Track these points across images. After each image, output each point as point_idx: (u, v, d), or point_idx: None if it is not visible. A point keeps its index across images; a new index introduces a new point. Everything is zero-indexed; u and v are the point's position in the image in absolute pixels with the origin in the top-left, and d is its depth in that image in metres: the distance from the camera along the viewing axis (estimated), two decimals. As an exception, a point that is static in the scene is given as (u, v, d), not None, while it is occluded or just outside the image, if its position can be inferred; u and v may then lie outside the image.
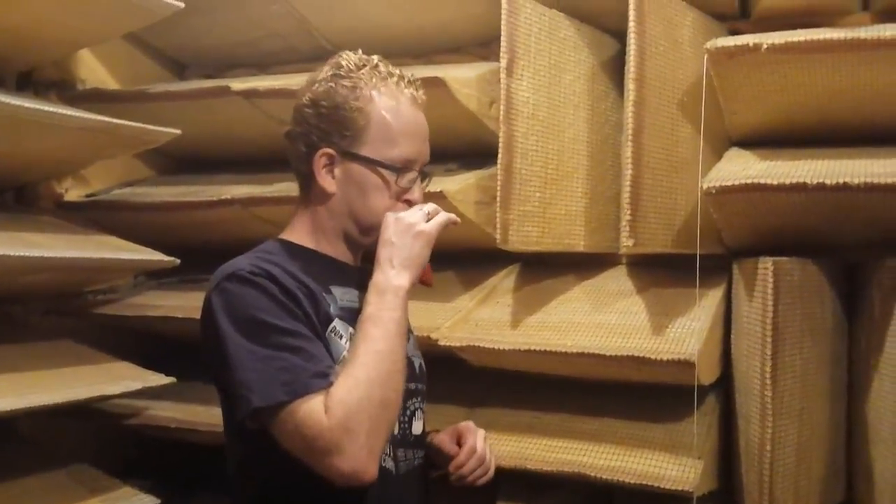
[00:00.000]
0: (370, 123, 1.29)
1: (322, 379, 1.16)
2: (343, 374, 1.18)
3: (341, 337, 1.27)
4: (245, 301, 1.19)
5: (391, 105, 1.30)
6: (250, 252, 1.31)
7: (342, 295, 1.31)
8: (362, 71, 1.31)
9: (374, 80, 1.31)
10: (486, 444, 1.45)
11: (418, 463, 1.40)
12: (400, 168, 1.31)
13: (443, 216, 1.32)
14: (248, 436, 1.23)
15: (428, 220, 1.30)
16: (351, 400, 1.14)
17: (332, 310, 1.28)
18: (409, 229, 1.28)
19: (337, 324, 1.27)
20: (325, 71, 1.32)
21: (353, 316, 1.29)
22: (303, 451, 1.15)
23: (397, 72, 1.35)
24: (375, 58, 1.34)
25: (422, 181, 1.38)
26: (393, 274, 1.26)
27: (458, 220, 1.37)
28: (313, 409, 1.13)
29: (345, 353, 1.25)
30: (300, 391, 1.14)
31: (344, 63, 1.31)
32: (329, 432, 1.12)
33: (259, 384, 1.14)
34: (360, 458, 1.14)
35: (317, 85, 1.31)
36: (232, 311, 1.19)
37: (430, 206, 1.32)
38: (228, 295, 1.21)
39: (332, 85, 1.29)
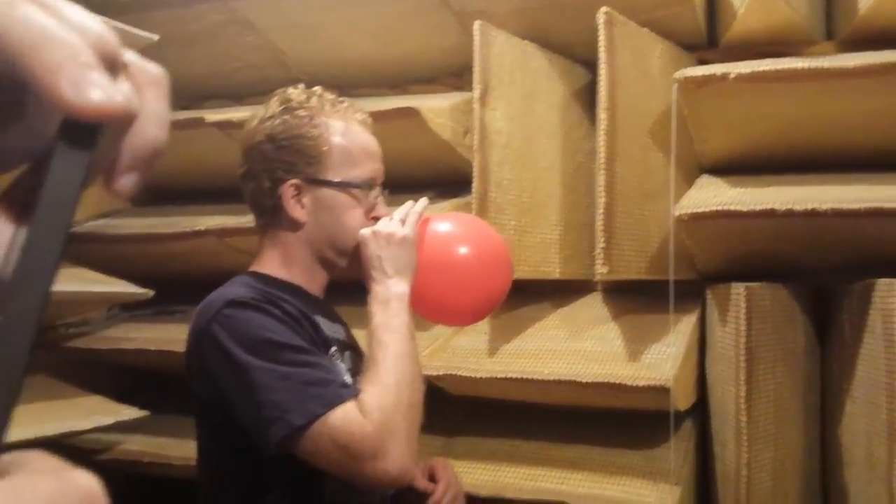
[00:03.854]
0: (331, 149, 1.31)
1: (348, 388, 1.17)
2: (368, 381, 1.20)
3: (341, 361, 1.28)
4: (252, 324, 1.19)
5: (345, 129, 1.34)
6: (228, 286, 1.30)
7: (325, 326, 1.32)
8: (311, 101, 1.33)
9: (325, 107, 1.34)
10: (457, 480, 1.48)
11: (389, 495, 1.41)
12: (367, 185, 1.33)
13: (414, 214, 1.35)
14: (251, 468, 1.22)
15: (403, 225, 1.32)
16: (386, 403, 1.16)
17: (328, 335, 1.29)
18: (390, 239, 1.30)
19: (335, 350, 1.28)
20: (274, 107, 1.34)
21: (341, 347, 1.30)
22: (342, 460, 1.15)
23: (342, 99, 1.38)
24: (319, 88, 1.37)
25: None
26: (392, 283, 1.29)
27: (427, 200, 1.39)
28: (350, 416, 1.14)
29: (346, 376, 1.25)
30: (334, 401, 1.15)
31: (293, 97, 1.34)
32: (372, 437, 1.14)
33: (292, 402, 1.14)
34: (404, 458, 1.16)
35: (270, 121, 1.33)
36: (240, 336, 1.18)
37: (399, 213, 1.35)
38: (232, 320, 1.20)
39: (287, 118, 1.32)
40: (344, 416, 1.14)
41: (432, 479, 1.46)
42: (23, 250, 0.31)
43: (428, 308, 1.42)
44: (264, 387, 1.15)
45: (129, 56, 0.36)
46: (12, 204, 0.35)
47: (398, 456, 1.15)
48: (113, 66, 0.33)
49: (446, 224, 1.45)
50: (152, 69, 0.37)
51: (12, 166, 0.37)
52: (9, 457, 0.29)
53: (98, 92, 0.31)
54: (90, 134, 0.32)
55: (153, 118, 0.36)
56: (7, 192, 0.36)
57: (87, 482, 0.29)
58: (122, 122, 0.34)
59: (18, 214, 0.34)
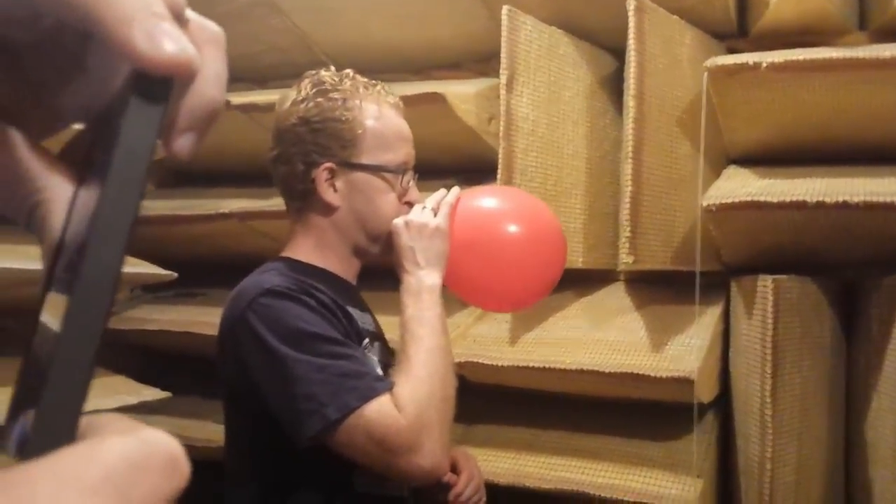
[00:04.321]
0: (366, 132, 1.30)
1: (383, 381, 1.17)
2: (402, 374, 1.19)
3: (372, 353, 1.27)
4: (288, 314, 1.18)
5: (379, 112, 1.32)
6: (262, 273, 1.29)
7: (358, 317, 1.31)
8: (345, 83, 1.32)
9: (359, 90, 1.32)
10: (479, 472, 1.48)
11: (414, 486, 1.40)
12: (401, 169, 1.32)
13: (446, 205, 1.33)
14: (282, 458, 1.22)
15: (435, 215, 1.31)
16: (420, 397, 1.16)
17: (360, 326, 1.29)
18: (423, 229, 1.29)
19: (367, 342, 1.28)
20: (306, 89, 1.32)
21: (372, 338, 1.30)
22: (376, 454, 1.14)
23: (375, 82, 1.36)
24: (350, 71, 1.35)
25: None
26: (423, 274, 1.28)
27: (458, 189, 1.37)
28: (386, 410, 1.14)
29: (378, 369, 1.25)
30: (369, 394, 1.14)
31: (325, 80, 1.32)
32: (407, 431, 1.13)
33: (328, 395, 1.13)
34: (437, 453, 1.16)
35: (303, 104, 1.30)
36: (276, 326, 1.17)
37: (430, 202, 1.33)
38: (269, 310, 1.19)
39: (321, 100, 1.30)
40: (379, 410, 1.13)
41: (453, 470, 1.45)
42: (98, 210, 0.29)
43: (472, 292, 1.39)
44: (300, 379, 1.14)
45: (189, 13, 0.34)
46: (72, 163, 0.33)
47: (432, 450, 1.15)
48: (179, 20, 0.32)
49: (495, 199, 1.41)
50: (212, 27, 0.35)
51: (67, 124, 0.36)
52: (85, 419, 0.29)
53: (171, 44, 0.29)
54: (163, 88, 0.30)
55: (212, 78, 0.34)
56: (66, 151, 0.35)
57: (168, 443, 0.28)
58: (186, 79, 0.32)
59: (80, 174, 0.33)
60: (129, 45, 0.29)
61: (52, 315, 0.30)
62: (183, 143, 0.33)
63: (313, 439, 1.14)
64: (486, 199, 1.41)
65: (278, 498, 1.25)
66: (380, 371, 1.25)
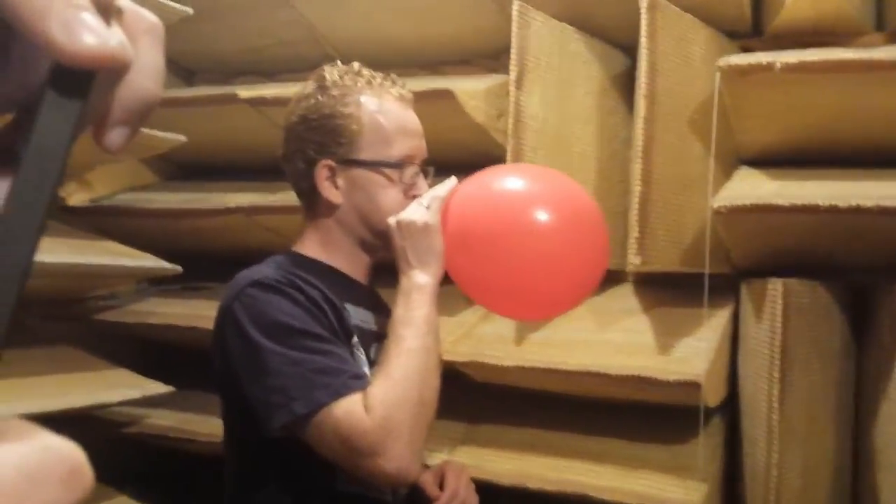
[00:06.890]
0: (363, 127, 1.28)
1: (359, 380, 1.16)
2: (379, 374, 1.18)
3: (362, 352, 1.26)
4: (272, 307, 1.18)
5: (379, 105, 1.30)
6: (262, 264, 1.29)
7: (356, 314, 1.30)
8: (346, 78, 1.31)
9: (358, 84, 1.30)
10: (468, 488, 1.42)
11: (404, 494, 1.38)
12: (401, 164, 1.30)
13: (436, 199, 1.28)
14: (264, 449, 1.22)
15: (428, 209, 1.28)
16: (390, 399, 1.14)
17: (352, 323, 1.27)
18: (410, 227, 1.26)
19: (357, 339, 1.26)
20: (309, 87, 1.32)
21: (366, 338, 1.28)
22: (343, 453, 1.14)
23: (379, 74, 1.34)
24: (356, 65, 1.34)
25: (426, 176, 1.36)
26: (414, 274, 1.26)
27: (455, 180, 1.33)
28: (354, 409, 1.13)
29: (365, 368, 1.24)
30: (341, 392, 1.13)
31: (327, 76, 1.31)
32: (372, 433, 1.12)
33: (298, 389, 1.13)
34: (405, 457, 1.14)
35: (303, 102, 1.31)
36: (258, 317, 1.18)
37: (426, 198, 1.29)
38: (254, 301, 1.19)
39: (319, 97, 1.29)
40: (347, 409, 1.12)
41: (441, 485, 1.40)
42: (6, 204, 0.28)
43: (494, 298, 1.34)
44: (274, 371, 1.14)
45: (123, 1, 0.33)
46: None
47: (399, 454, 1.13)
48: (106, 10, 0.30)
49: (519, 180, 1.32)
50: (148, 16, 0.34)
51: None
52: None
53: (91, 36, 0.28)
54: (82, 82, 0.29)
55: (146, 69, 0.33)
56: None
57: (70, 451, 0.27)
58: (116, 71, 0.31)
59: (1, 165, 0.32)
60: (45, 38, 0.28)
61: None
62: (114, 137, 0.32)
63: (280, 432, 1.15)
64: (510, 180, 1.31)
65: (257, 487, 1.26)
66: (367, 370, 1.23)
